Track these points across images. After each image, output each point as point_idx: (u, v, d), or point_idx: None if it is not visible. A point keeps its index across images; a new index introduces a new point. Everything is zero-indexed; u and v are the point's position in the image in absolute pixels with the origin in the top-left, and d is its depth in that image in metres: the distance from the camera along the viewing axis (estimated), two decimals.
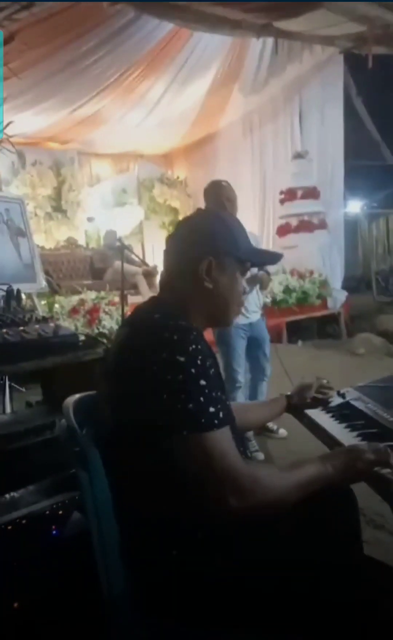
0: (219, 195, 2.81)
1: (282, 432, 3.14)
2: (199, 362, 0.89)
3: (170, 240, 1.12)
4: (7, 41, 4.31)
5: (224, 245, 1.06)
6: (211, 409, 0.87)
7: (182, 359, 0.88)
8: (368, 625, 0.87)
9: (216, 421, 0.87)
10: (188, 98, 7.12)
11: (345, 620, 0.88)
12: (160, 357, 0.88)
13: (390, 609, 0.88)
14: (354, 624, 0.88)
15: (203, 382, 0.88)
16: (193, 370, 0.87)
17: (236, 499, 0.84)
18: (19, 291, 1.97)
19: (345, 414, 1.41)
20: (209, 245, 1.05)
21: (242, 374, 2.97)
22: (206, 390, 0.87)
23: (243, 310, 2.86)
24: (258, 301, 3.03)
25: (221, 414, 0.88)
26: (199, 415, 0.86)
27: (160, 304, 1.06)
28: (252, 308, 2.96)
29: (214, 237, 1.06)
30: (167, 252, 1.12)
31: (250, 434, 3.01)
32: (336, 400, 1.50)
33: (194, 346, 0.90)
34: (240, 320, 2.88)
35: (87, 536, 1.05)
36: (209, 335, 3.10)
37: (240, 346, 2.93)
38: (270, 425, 3.13)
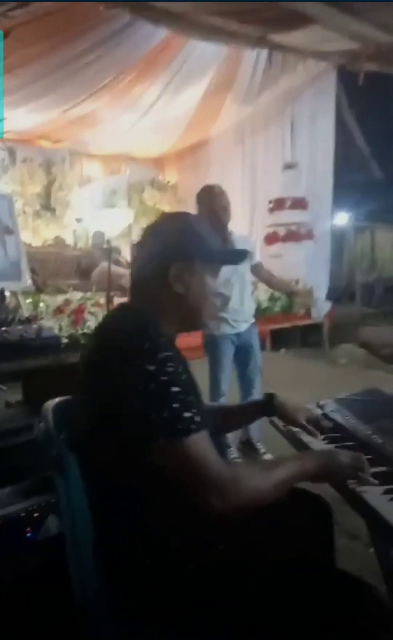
0: (212, 203, 2.76)
1: (268, 457, 2.96)
2: (170, 369, 0.89)
3: (137, 247, 1.12)
4: (1, 38, 4.30)
5: (192, 249, 1.06)
6: (186, 414, 0.87)
7: (152, 367, 0.87)
8: (336, 636, 0.88)
9: (192, 426, 0.87)
10: (181, 104, 7.15)
11: (314, 629, 0.89)
12: (130, 368, 0.88)
13: (357, 622, 0.89)
14: (322, 633, 0.89)
15: (175, 389, 0.88)
16: (164, 378, 0.87)
17: (219, 501, 0.85)
18: (2, 291, 1.96)
19: None
20: (177, 250, 1.05)
21: (226, 383, 2.92)
22: (180, 396, 0.88)
23: (230, 320, 2.85)
24: (248, 311, 2.96)
25: (196, 418, 0.88)
26: (175, 422, 0.86)
27: (130, 312, 1.06)
28: (240, 317, 2.90)
29: (182, 242, 1.06)
30: (135, 259, 1.12)
31: (230, 440, 2.99)
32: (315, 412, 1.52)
33: (163, 353, 0.90)
34: (227, 330, 2.85)
35: (62, 539, 1.05)
36: (195, 339, 3.11)
37: (227, 355, 2.89)
38: (258, 446, 3.03)
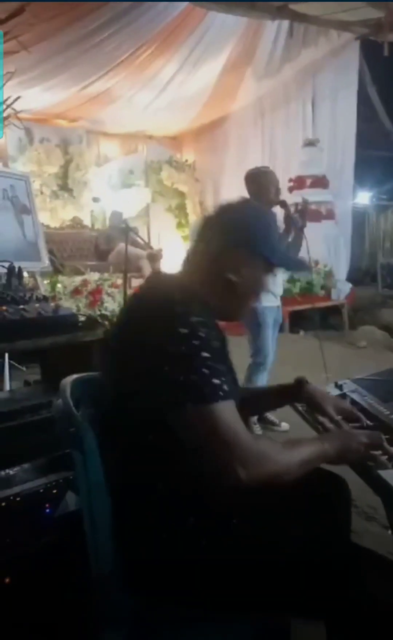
0: (270, 183, 2.86)
1: (284, 425, 3.12)
2: (201, 334, 0.88)
3: (207, 222, 1.10)
4: (17, 13, 4.23)
5: (261, 246, 1.05)
6: (215, 381, 0.86)
7: (184, 330, 0.87)
8: (349, 606, 0.88)
9: (221, 393, 0.86)
10: (199, 79, 7.01)
11: (327, 602, 0.89)
12: (162, 329, 0.88)
13: (369, 592, 0.89)
14: (335, 606, 0.89)
15: (205, 354, 0.87)
16: (195, 342, 0.87)
17: (242, 469, 0.84)
18: (20, 269, 1.95)
19: None
20: (247, 240, 1.04)
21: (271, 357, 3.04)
22: (209, 362, 0.87)
23: (276, 294, 3.03)
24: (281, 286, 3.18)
25: (225, 387, 0.87)
26: (203, 387, 0.85)
27: (174, 280, 1.06)
28: (279, 291, 3.08)
29: (254, 235, 1.05)
30: (200, 234, 1.09)
31: (253, 418, 3.03)
32: (333, 392, 1.50)
33: (196, 318, 0.89)
34: (271, 302, 2.96)
35: (79, 515, 1.06)
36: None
37: (270, 328, 3.01)
38: (272, 418, 3.14)
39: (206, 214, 1.12)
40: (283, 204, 2.91)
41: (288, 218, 2.89)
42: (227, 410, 0.86)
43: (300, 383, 1.28)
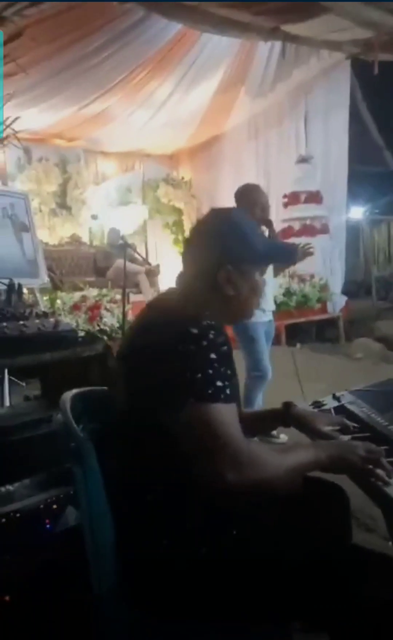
0: (258, 199, 2.93)
1: (283, 437, 3.10)
2: (211, 335, 0.91)
3: (186, 245, 1.13)
4: (15, 37, 4.32)
5: (241, 251, 1.07)
6: (219, 383, 0.89)
7: (195, 330, 0.90)
8: (354, 609, 0.89)
9: (222, 395, 0.88)
10: (195, 99, 7.13)
11: (331, 606, 0.89)
12: (174, 330, 0.91)
13: (371, 593, 0.90)
14: (340, 610, 0.89)
15: (213, 356, 0.89)
16: (204, 343, 0.90)
17: (234, 471, 0.86)
18: (20, 286, 1.98)
19: None
20: (226, 253, 1.06)
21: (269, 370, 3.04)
22: (216, 364, 0.89)
23: (267, 310, 3.03)
24: (272, 301, 3.17)
25: (228, 390, 0.90)
26: (207, 386, 0.88)
27: (181, 298, 1.08)
28: (269, 307, 3.08)
29: (230, 244, 1.06)
30: (185, 257, 1.12)
31: None
32: (331, 404, 1.51)
33: (208, 322, 0.92)
34: (261, 317, 2.97)
35: (80, 530, 1.07)
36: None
37: (263, 342, 3.02)
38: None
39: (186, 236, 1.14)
40: (268, 223, 2.94)
41: (271, 238, 2.91)
42: (226, 413, 0.88)
43: (287, 407, 1.28)
